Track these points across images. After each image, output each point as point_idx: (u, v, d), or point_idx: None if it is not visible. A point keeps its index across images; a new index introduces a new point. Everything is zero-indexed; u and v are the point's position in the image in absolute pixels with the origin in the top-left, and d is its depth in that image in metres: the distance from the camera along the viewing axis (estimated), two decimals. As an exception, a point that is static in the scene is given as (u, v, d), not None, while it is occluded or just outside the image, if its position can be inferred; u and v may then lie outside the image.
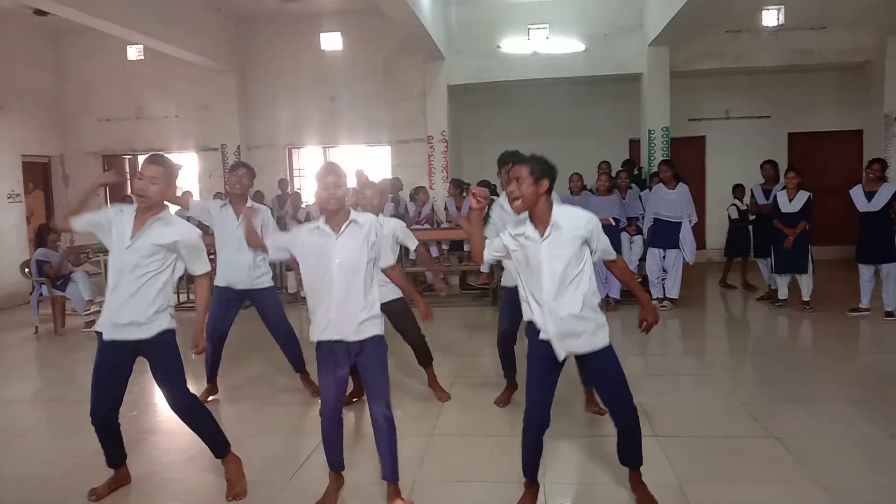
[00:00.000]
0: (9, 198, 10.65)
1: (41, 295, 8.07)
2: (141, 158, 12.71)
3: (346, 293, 3.23)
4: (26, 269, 8.39)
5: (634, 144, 11.64)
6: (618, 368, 3.19)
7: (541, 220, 3.07)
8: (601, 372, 3.24)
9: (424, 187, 10.28)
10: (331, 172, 3.26)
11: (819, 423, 4.41)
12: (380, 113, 11.77)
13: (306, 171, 12.43)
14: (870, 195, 7.16)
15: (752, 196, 8.44)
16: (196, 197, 9.98)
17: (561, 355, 3.12)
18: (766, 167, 8.40)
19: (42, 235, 8.21)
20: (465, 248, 9.19)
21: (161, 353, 3.48)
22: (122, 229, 3.44)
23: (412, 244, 4.93)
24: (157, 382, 3.56)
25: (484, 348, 6.86)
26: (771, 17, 10.01)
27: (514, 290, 4.14)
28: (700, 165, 11.94)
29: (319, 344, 3.31)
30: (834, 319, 7.31)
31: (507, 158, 4.30)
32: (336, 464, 3.44)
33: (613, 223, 7.74)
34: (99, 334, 3.48)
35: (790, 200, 7.59)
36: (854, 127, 11.50)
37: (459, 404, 4.98)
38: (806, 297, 7.67)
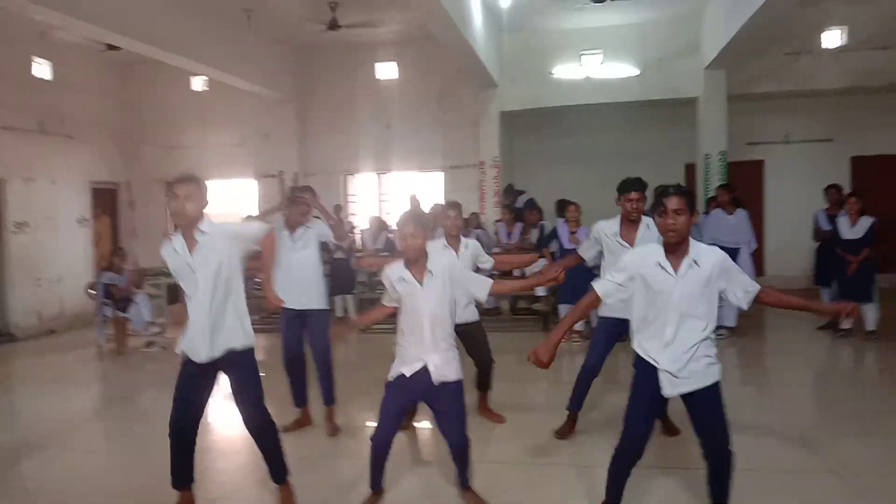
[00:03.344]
0: (78, 222, 11.15)
1: (105, 316, 8.38)
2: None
3: (434, 339, 3.43)
4: (91, 291, 8.73)
5: (690, 169, 11.47)
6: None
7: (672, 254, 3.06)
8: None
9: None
10: (410, 222, 3.40)
11: (881, 459, 4.22)
12: (433, 139, 11.91)
13: (359, 196, 12.65)
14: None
15: (816, 221, 8.18)
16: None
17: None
18: (830, 192, 8.14)
19: (111, 260, 8.61)
20: (515, 273, 9.15)
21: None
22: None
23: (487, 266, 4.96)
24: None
25: (533, 374, 6.78)
26: (833, 38, 9.77)
27: (612, 322, 4.15)
28: (758, 190, 11.66)
29: (399, 378, 3.49)
30: (901, 351, 7.00)
31: (630, 186, 4.32)
32: (378, 483, 3.65)
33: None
34: None
35: (852, 226, 7.35)
36: (923, 150, 11.08)
37: (509, 431, 4.94)
38: (871, 327, 7.37)
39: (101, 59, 11.44)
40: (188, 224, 3.37)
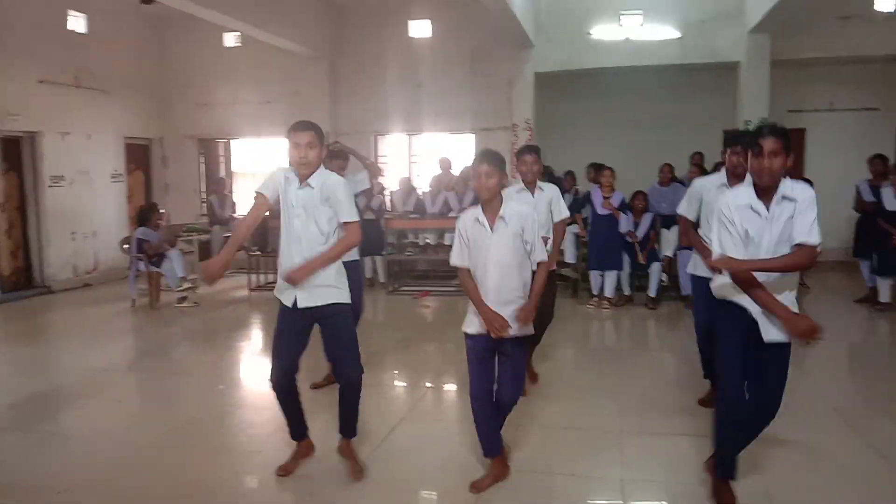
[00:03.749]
0: (112, 177, 11.25)
1: (138, 270, 8.49)
2: (234, 143, 13.18)
3: (498, 288, 3.26)
4: (125, 246, 8.83)
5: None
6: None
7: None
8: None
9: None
10: (485, 161, 3.27)
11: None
12: (465, 101, 11.73)
13: (390, 157, 12.58)
14: None
15: (858, 192, 7.95)
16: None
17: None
18: (875, 162, 7.90)
19: (144, 215, 8.65)
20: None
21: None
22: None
23: (556, 217, 4.83)
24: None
25: (561, 339, 6.77)
26: (886, 2, 9.34)
27: (705, 280, 3.85)
28: (799, 159, 11.36)
29: (471, 337, 3.36)
30: (943, 327, 6.84)
31: (738, 140, 4.21)
32: (492, 450, 3.47)
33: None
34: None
35: (897, 198, 7.14)
36: (975, 121, 10.68)
37: (544, 396, 4.93)
38: (912, 302, 7.21)
39: (135, 13, 11.40)
40: (309, 172, 3.41)
